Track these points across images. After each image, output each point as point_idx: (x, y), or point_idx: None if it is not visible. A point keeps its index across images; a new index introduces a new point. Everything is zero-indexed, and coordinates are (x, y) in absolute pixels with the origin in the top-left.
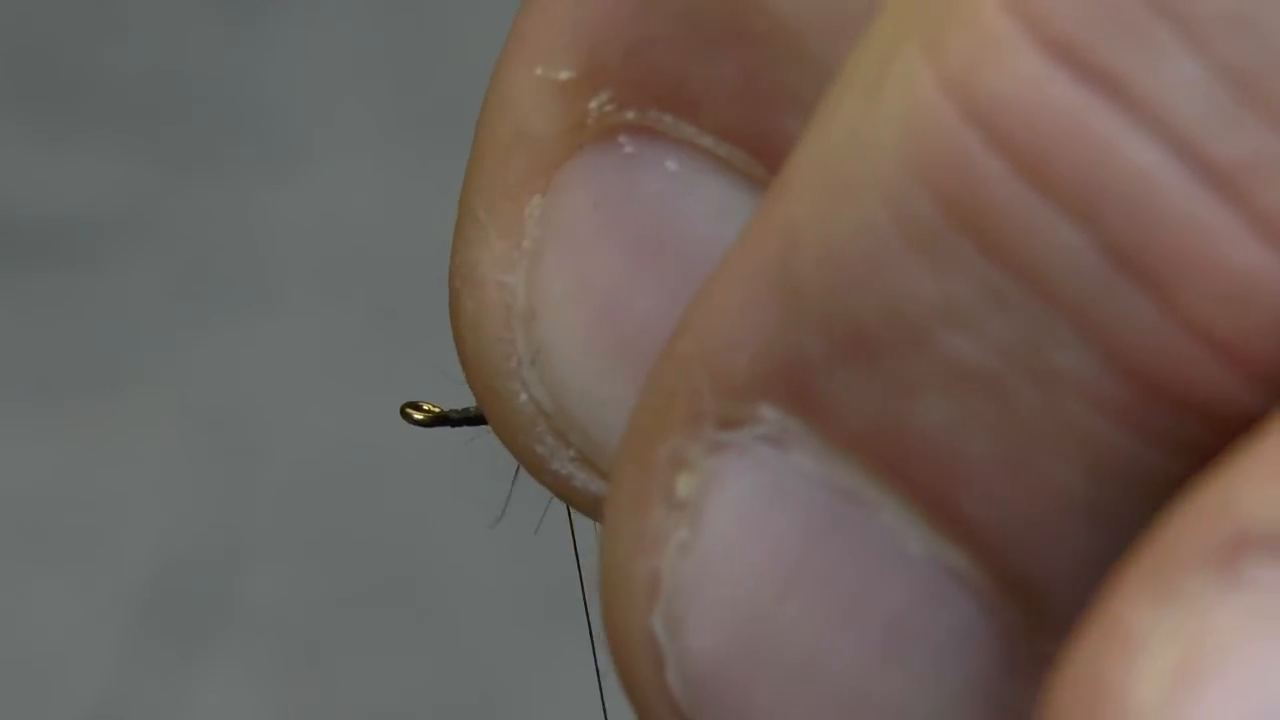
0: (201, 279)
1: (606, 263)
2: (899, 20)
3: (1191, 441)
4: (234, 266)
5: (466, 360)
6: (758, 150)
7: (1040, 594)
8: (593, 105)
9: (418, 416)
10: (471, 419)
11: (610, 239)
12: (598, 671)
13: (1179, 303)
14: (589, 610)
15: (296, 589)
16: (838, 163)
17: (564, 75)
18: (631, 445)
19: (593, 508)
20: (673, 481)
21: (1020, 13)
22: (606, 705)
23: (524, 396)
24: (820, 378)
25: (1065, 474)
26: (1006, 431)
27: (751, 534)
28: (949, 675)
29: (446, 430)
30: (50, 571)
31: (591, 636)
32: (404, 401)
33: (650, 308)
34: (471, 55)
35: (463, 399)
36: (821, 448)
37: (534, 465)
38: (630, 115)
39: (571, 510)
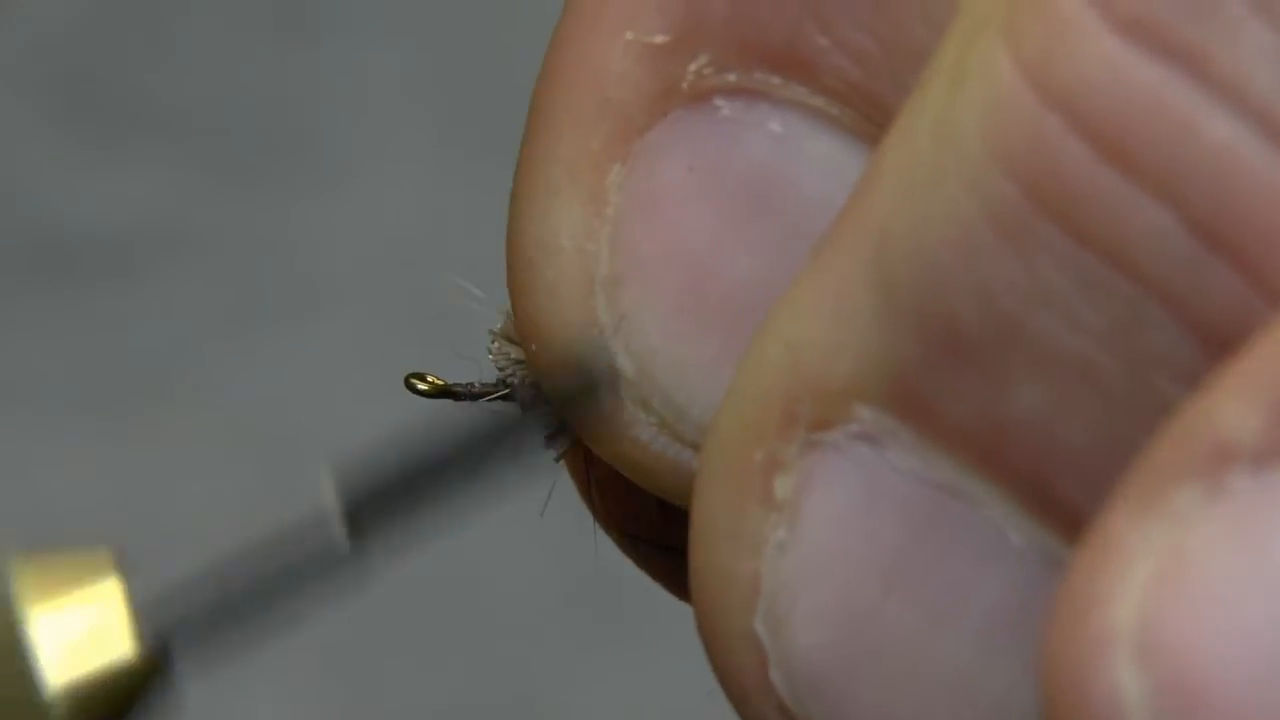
0: (249, 294)
1: (701, 227)
2: (979, 7)
3: None
4: (281, 281)
5: (542, 329)
6: (872, 109)
7: None
8: (691, 69)
9: (421, 387)
10: (475, 394)
11: (706, 203)
12: None
13: (1268, 275)
14: None
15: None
16: (923, 154)
17: (659, 39)
18: (723, 447)
19: (668, 475)
20: (770, 483)
21: None
22: None
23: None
24: (916, 375)
25: None
26: (1101, 414)
27: (851, 532)
28: None
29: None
30: None
31: None
32: (409, 377)
33: (751, 271)
34: (518, 73)
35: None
36: (919, 444)
37: (614, 433)
38: (732, 78)
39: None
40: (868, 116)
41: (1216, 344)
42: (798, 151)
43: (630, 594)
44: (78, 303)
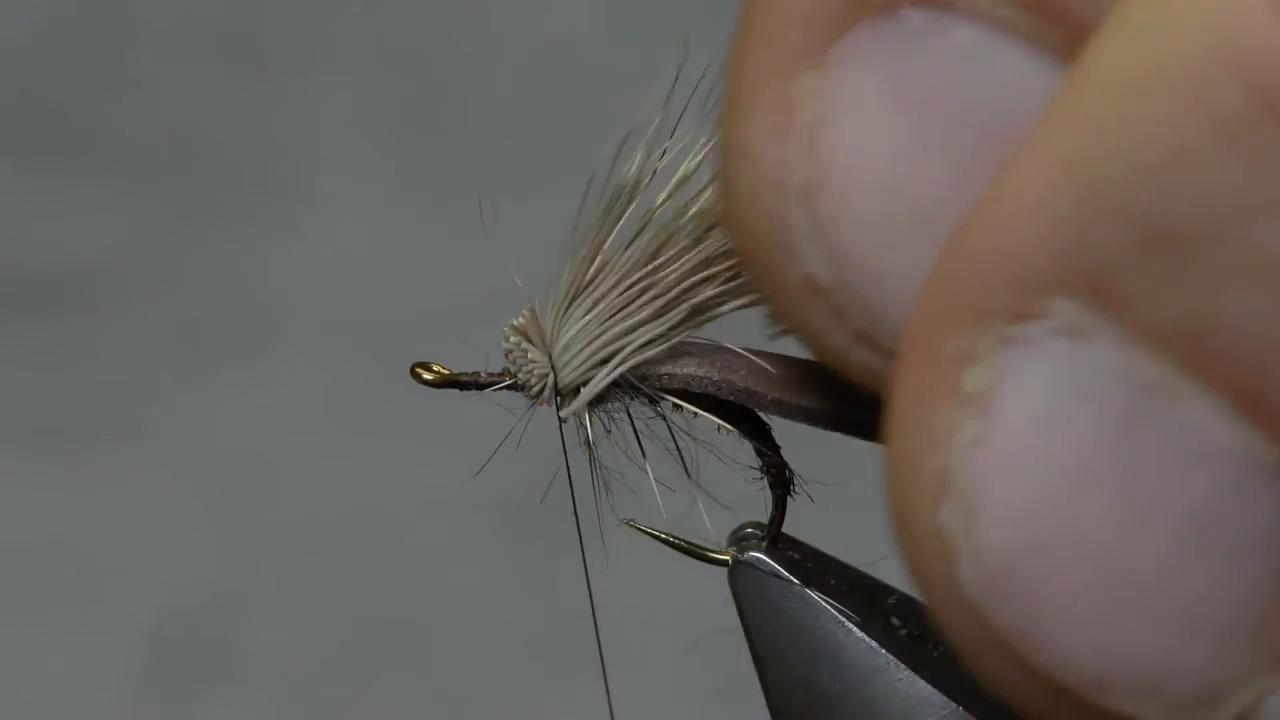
0: (206, 330)
1: (897, 136)
2: None
3: None
4: (238, 318)
5: (740, 236)
6: (1060, 18)
7: None
8: None
9: (427, 376)
10: (482, 383)
11: (900, 112)
12: (610, 706)
13: None
14: (600, 645)
15: (298, 637)
16: (1140, 55)
17: None
18: (915, 340)
19: (869, 380)
20: (960, 376)
21: None
22: None
23: (799, 270)
24: (1123, 272)
25: None
26: None
27: (1047, 428)
28: (1253, 568)
29: (449, 478)
30: (53, 620)
31: (604, 671)
32: (415, 366)
33: (944, 180)
34: (472, 109)
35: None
36: (1124, 340)
37: (811, 339)
38: None
39: (583, 540)
40: (1057, 26)
41: None
42: (986, 63)
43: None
44: (32, 338)
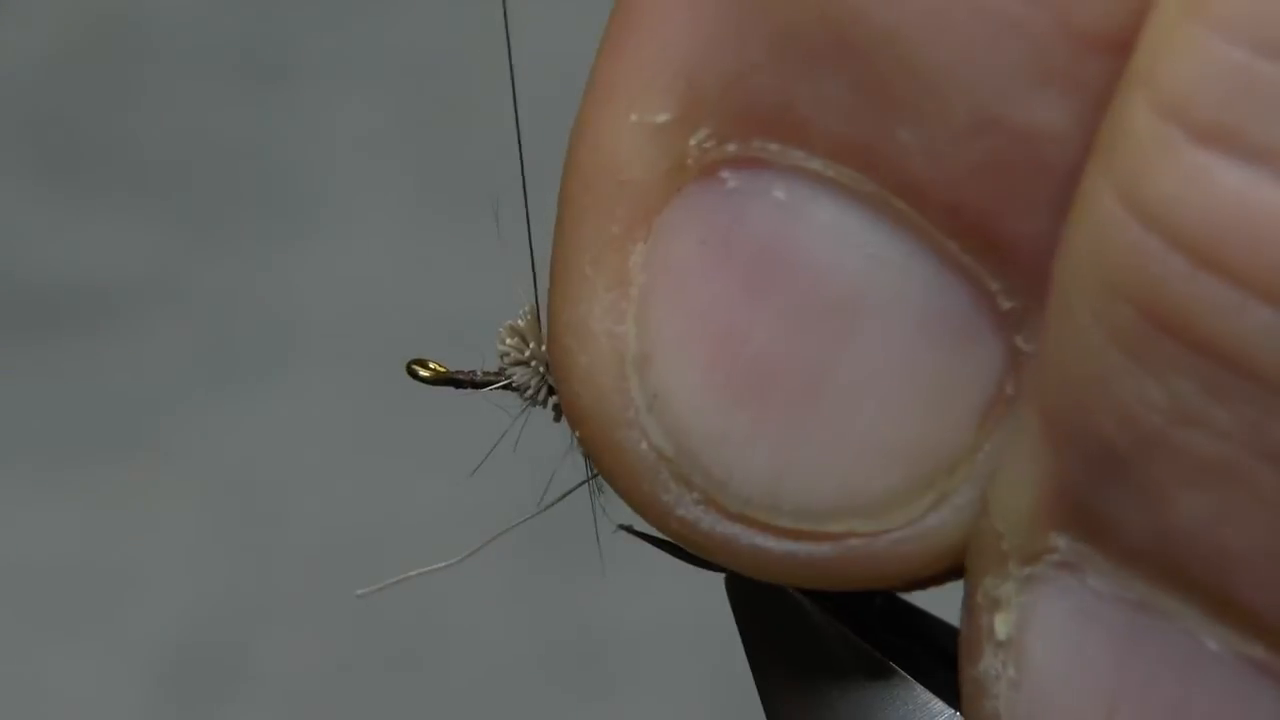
0: (222, 345)
1: (719, 299)
2: (1098, 139)
3: None
4: (254, 332)
5: (583, 415)
6: (869, 166)
7: None
8: (692, 144)
9: (423, 374)
10: (478, 383)
11: (720, 275)
12: None
13: None
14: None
15: (313, 654)
16: (1058, 286)
17: (661, 118)
18: (967, 589)
19: (719, 549)
20: (992, 622)
21: (1168, 112)
22: None
23: (644, 445)
24: (1088, 498)
25: None
26: (1262, 514)
27: (1070, 660)
28: None
29: (464, 496)
30: (69, 638)
31: None
32: (411, 363)
33: (768, 339)
34: (489, 122)
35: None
36: (1108, 566)
37: (658, 514)
38: (732, 148)
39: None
40: (866, 173)
41: None
42: (803, 218)
43: (607, 657)
44: (47, 354)
